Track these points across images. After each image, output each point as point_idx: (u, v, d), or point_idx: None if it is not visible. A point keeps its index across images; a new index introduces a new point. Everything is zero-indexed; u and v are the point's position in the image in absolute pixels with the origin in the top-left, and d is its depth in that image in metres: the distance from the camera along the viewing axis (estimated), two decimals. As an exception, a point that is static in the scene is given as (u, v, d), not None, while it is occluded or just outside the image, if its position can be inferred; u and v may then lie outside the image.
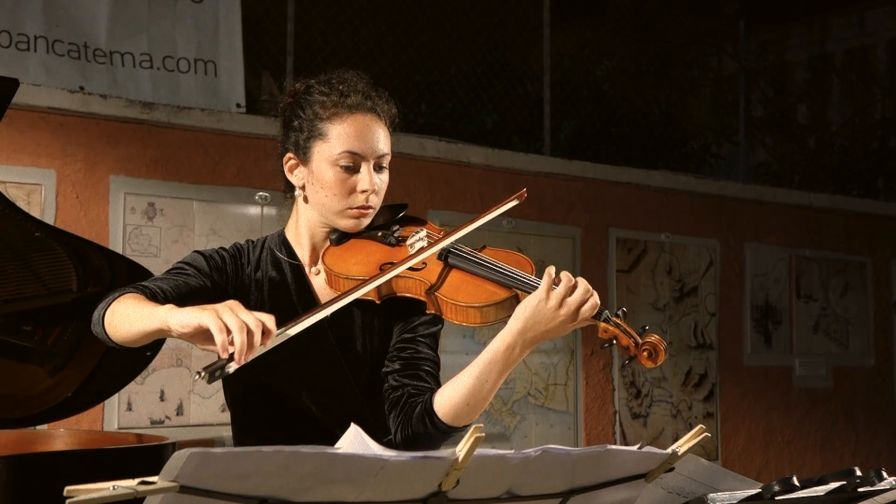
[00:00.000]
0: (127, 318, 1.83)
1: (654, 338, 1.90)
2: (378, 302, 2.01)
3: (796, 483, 1.59)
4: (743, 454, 6.72)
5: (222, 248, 2.13)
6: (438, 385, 2.06)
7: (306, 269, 2.14)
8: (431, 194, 5.48)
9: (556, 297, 1.87)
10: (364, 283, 1.95)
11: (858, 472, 1.63)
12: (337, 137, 2.05)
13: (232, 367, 1.67)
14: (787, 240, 7.13)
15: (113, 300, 1.88)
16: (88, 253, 2.97)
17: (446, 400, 1.96)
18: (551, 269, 1.91)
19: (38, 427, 3.32)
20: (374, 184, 2.06)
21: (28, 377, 3.04)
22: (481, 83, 7.02)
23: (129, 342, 1.86)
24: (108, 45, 4.85)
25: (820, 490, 1.62)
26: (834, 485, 1.63)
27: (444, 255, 2.02)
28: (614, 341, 1.91)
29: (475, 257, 2.01)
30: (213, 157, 4.83)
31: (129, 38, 4.91)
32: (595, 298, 1.90)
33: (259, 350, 1.69)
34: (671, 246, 6.49)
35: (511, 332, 1.91)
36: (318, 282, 2.12)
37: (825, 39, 12.48)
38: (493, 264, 1.99)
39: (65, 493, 1.12)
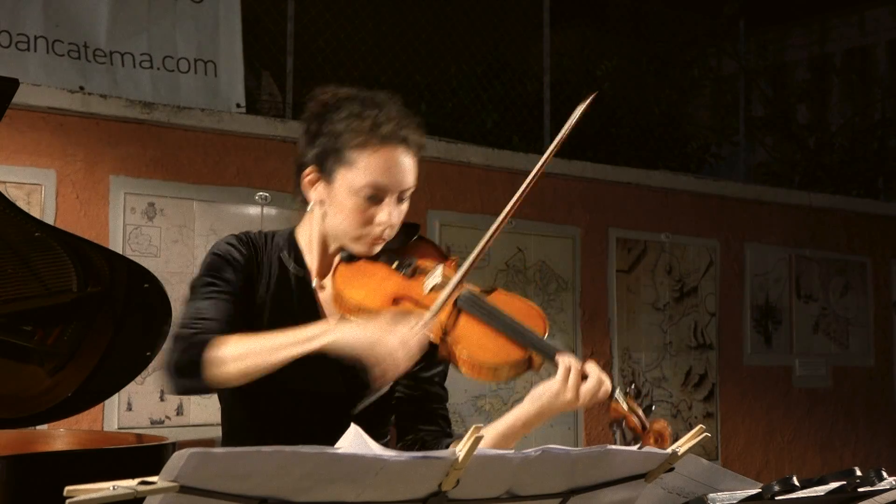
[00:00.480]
0: (261, 350, 1.84)
1: (660, 425, 1.91)
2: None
3: (796, 483, 1.59)
4: (743, 454, 6.72)
5: (235, 240, 2.08)
6: (448, 424, 2.12)
7: (313, 280, 2.11)
8: (431, 194, 5.48)
9: (571, 390, 1.90)
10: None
11: (858, 472, 1.64)
12: (365, 168, 1.99)
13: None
14: (787, 240, 7.13)
15: (203, 346, 1.85)
16: (88, 253, 2.97)
17: None
18: (566, 360, 1.91)
19: (38, 427, 3.32)
20: (393, 218, 2.02)
21: (28, 377, 3.03)
22: (481, 83, 7.01)
23: (246, 379, 1.86)
24: (108, 45, 4.85)
25: (820, 490, 1.63)
26: (834, 485, 1.63)
27: (462, 305, 1.97)
28: (623, 422, 1.92)
29: (494, 312, 1.97)
30: (213, 157, 4.83)
31: (129, 38, 4.91)
32: (606, 386, 1.92)
33: None
34: (671, 246, 6.49)
35: (527, 414, 1.96)
36: (324, 296, 2.09)
37: (825, 39, 12.46)
38: (510, 321, 1.95)
39: (65, 493, 1.13)
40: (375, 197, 2.00)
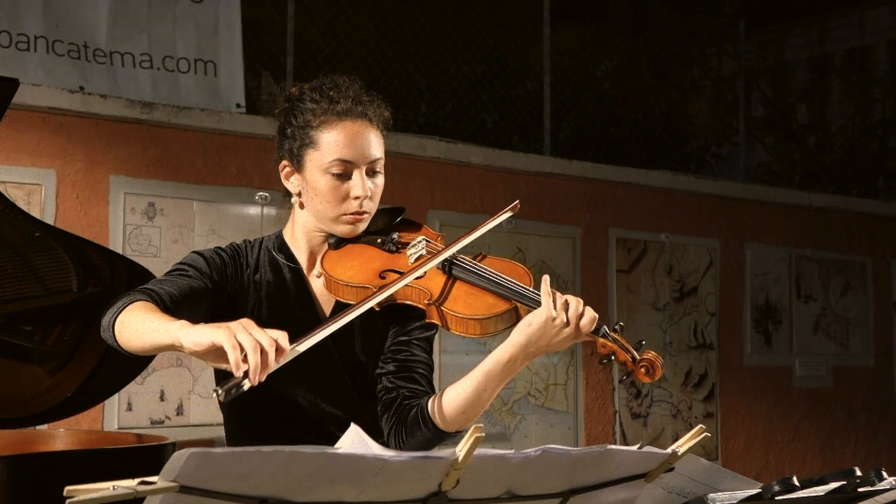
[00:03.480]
0: (138, 329, 1.83)
1: (650, 354, 1.94)
2: (377, 309, 2.01)
3: (796, 483, 1.59)
4: (743, 454, 6.72)
5: (220, 248, 2.13)
6: (432, 388, 2.09)
7: (305, 272, 2.15)
8: (431, 194, 5.48)
9: (559, 314, 1.90)
10: (371, 295, 1.96)
11: (858, 472, 1.63)
12: (327, 145, 2.05)
13: (246, 385, 1.68)
14: (787, 240, 7.13)
15: (123, 307, 1.88)
16: (88, 253, 2.97)
17: (443, 405, 1.98)
18: (548, 282, 1.93)
19: (38, 427, 3.32)
20: (366, 190, 2.06)
21: (28, 377, 3.04)
22: (481, 83, 7.01)
23: (139, 353, 1.87)
24: (108, 45, 4.85)
25: (820, 490, 1.62)
26: (834, 485, 1.63)
27: (446, 267, 2.03)
28: (612, 357, 1.94)
29: (477, 269, 2.02)
30: (213, 157, 4.83)
31: (129, 38, 4.91)
32: (592, 312, 1.94)
33: (273, 367, 1.71)
34: (671, 246, 6.49)
35: (513, 346, 1.93)
36: (318, 285, 2.13)
37: (825, 39, 12.47)
38: (493, 276, 2.00)
39: (65, 493, 1.13)
40: (344, 173, 2.05)
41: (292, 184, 2.12)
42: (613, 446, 1.44)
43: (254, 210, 4.86)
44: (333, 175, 2.04)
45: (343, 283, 2.03)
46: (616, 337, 1.94)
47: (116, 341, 1.88)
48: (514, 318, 1.96)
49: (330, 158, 2.04)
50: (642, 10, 8.70)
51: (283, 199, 2.19)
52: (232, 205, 4.82)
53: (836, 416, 7.30)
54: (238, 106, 5.09)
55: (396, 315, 2.10)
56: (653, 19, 8.68)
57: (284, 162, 2.12)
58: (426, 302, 1.98)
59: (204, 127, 4.80)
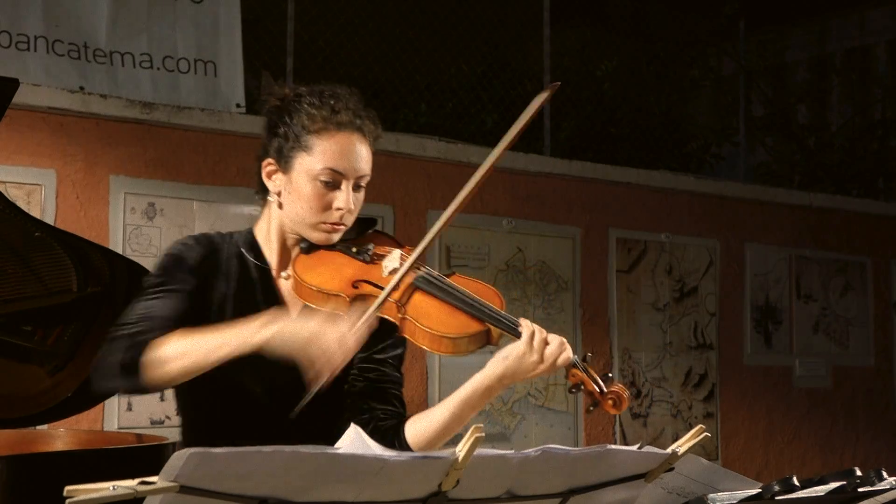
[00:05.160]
0: (199, 349, 1.85)
1: (617, 387, 1.96)
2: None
3: (796, 483, 1.59)
4: (743, 454, 6.72)
5: (192, 241, 2.13)
6: (403, 406, 2.13)
7: (274, 273, 2.15)
8: (431, 194, 5.48)
9: (536, 352, 1.94)
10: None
11: (858, 472, 1.64)
12: (321, 153, 2.05)
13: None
14: (787, 240, 7.13)
15: (139, 348, 1.86)
16: (88, 253, 2.97)
17: (419, 432, 2.03)
18: (529, 325, 1.96)
19: (38, 427, 3.32)
20: (350, 203, 2.06)
21: (28, 377, 3.04)
22: (481, 83, 7.00)
23: (196, 374, 1.88)
24: (108, 45, 4.85)
25: (820, 490, 1.63)
26: (834, 485, 1.64)
27: (422, 282, 2.02)
28: (581, 386, 1.98)
29: (452, 288, 2.02)
30: (213, 157, 4.83)
31: (129, 38, 4.91)
32: (568, 352, 1.97)
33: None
34: (671, 246, 6.49)
35: (490, 377, 1.98)
36: (286, 286, 2.13)
37: (825, 39, 12.45)
38: (468, 296, 2.01)
39: (65, 493, 1.13)
40: (333, 182, 2.05)
41: (273, 182, 2.11)
42: (613, 446, 1.44)
43: (254, 210, 4.84)
44: (321, 182, 2.05)
45: (315, 288, 2.01)
46: (587, 368, 1.98)
47: (150, 383, 1.86)
48: (485, 339, 1.98)
49: (321, 165, 2.04)
50: (642, 10, 8.69)
51: (256, 196, 2.18)
52: (232, 205, 4.82)
53: (836, 416, 7.30)
54: (238, 106, 5.09)
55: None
56: (653, 19, 8.68)
57: (270, 160, 2.10)
58: (400, 315, 1.97)
59: (204, 127, 4.80)
